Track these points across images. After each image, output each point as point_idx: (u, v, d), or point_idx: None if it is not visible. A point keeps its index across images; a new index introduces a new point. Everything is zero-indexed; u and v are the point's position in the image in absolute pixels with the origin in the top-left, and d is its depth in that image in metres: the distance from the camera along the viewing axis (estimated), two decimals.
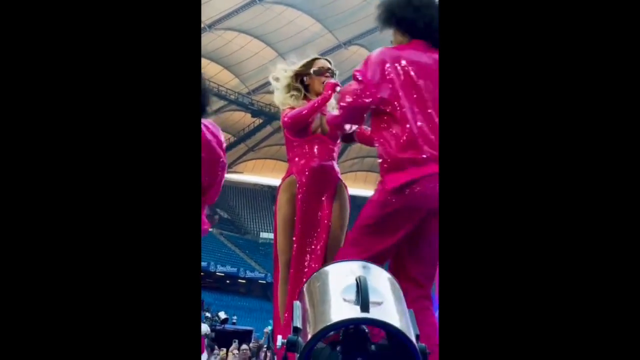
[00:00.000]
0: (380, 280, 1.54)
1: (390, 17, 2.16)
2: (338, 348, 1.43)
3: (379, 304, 1.44)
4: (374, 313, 1.38)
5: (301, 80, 2.57)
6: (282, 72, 2.59)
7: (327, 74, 2.54)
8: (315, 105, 2.41)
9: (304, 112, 2.41)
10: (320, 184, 2.45)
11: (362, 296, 1.39)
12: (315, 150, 2.46)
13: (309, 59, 2.59)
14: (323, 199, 2.45)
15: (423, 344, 1.44)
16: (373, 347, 1.43)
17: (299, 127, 2.43)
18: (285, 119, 2.44)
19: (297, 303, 1.50)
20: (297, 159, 2.47)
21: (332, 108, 2.34)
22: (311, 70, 2.55)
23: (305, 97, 2.54)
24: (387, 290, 1.52)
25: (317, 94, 2.50)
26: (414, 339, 1.39)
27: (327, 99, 2.41)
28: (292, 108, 2.48)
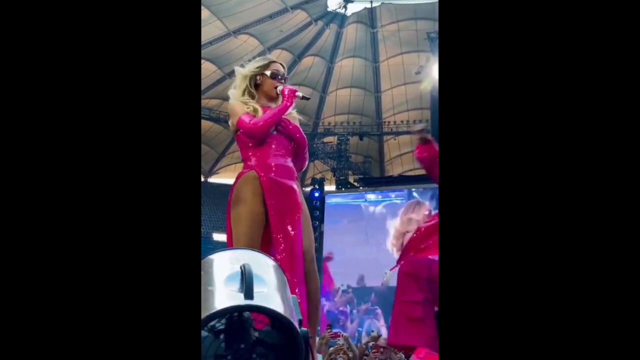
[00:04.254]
0: (265, 268, 1.56)
1: None
2: (221, 336, 1.43)
3: (263, 291, 1.45)
4: (257, 300, 1.39)
5: (254, 80, 2.63)
6: (240, 71, 2.66)
7: (280, 79, 2.62)
8: (278, 113, 2.52)
9: (268, 120, 2.50)
10: (285, 178, 2.51)
11: (246, 283, 1.39)
12: (274, 147, 2.53)
13: (266, 61, 2.65)
14: (290, 189, 2.51)
15: (305, 329, 1.48)
16: (257, 334, 1.44)
17: (263, 135, 2.51)
18: (250, 124, 2.48)
19: None
20: (256, 157, 2.52)
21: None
22: (267, 72, 2.61)
23: (252, 96, 2.62)
24: (271, 278, 1.53)
25: (266, 95, 2.60)
26: (296, 324, 1.42)
27: (288, 107, 2.54)
28: (249, 112, 2.54)
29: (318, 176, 16.77)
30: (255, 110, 2.53)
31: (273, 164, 2.51)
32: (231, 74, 2.80)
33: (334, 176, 16.79)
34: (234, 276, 1.45)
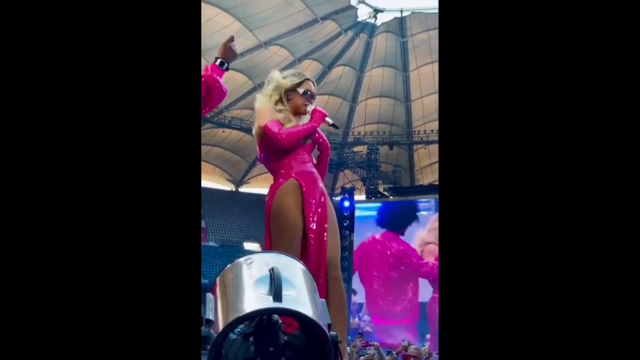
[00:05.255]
0: (294, 272, 1.56)
1: None
2: (250, 339, 1.43)
3: (292, 295, 1.45)
4: (286, 303, 1.39)
5: (286, 95, 2.66)
6: (275, 79, 2.67)
7: (310, 98, 2.67)
8: (304, 132, 2.56)
9: (294, 135, 2.53)
10: (318, 188, 2.55)
11: (275, 286, 1.39)
12: (306, 155, 2.59)
13: (301, 78, 2.68)
14: (324, 198, 2.55)
15: (334, 333, 1.47)
16: (285, 337, 1.44)
17: (287, 147, 2.54)
18: (277, 133, 2.50)
19: (209, 295, 1.48)
20: (293, 164, 2.54)
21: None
22: (300, 90, 2.65)
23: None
24: (300, 281, 1.53)
25: (295, 111, 2.62)
26: (325, 328, 1.42)
27: (314, 129, 2.59)
28: (278, 120, 2.56)
29: (348, 185, 16.74)
30: (287, 120, 2.55)
31: (309, 172, 2.53)
32: (262, 84, 2.82)
33: (363, 185, 16.75)
34: (263, 279, 1.45)
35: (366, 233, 14.72)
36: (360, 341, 5.81)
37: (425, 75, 18.88)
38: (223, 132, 20.01)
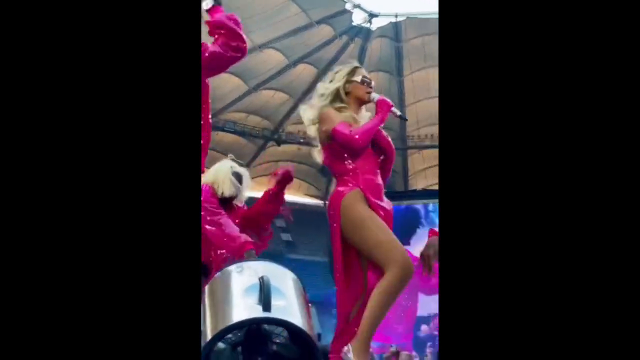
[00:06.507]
0: (284, 281, 1.54)
1: None
2: (239, 348, 1.41)
3: (282, 304, 1.43)
4: (275, 312, 1.37)
5: (344, 89, 2.49)
6: (326, 86, 2.50)
7: (370, 85, 2.49)
8: (376, 125, 2.40)
9: (368, 131, 2.36)
10: (383, 200, 2.38)
11: (265, 296, 1.38)
12: (371, 162, 2.40)
13: (351, 66, 2.52)
14: (389, 211, 2.38)
15: (325, 344, 1.46)
16: (274, 347, 1.43)
17: (363, 146, 2.36)
18: (350, 134, 2.32)
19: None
20: (357, 172, 2.36)
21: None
22: (357, 79, 2.47)
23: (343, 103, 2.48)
24: (290, 291, 1.52)
25: (358, 101, 2.47)
26: (315, 338, 1.40)
27: (384, 120, 2.42)
28: (346, 121, 2.38)
29: None
30: (353, 119, 2.39)
31: (374, 182, 2.38)
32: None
33: None
34: (253, 288, 1.43)
35: None
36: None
37: (420, 81, 18.88)
38: (217, 135, 19.96)
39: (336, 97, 2.44)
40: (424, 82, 18.71)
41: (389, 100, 2.44)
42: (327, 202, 2.55)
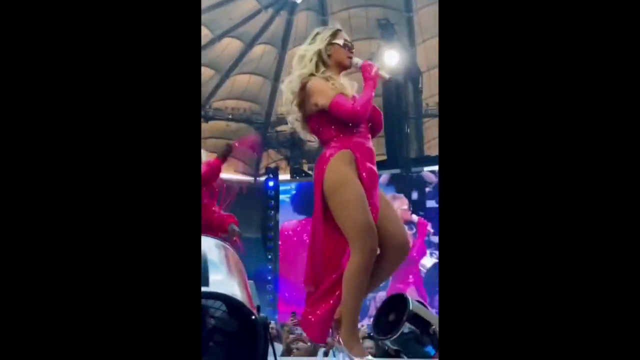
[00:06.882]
0: (221, 254, 1.52)
1: None
2: None
3: (219, 278, 1.41)
4: (213, 286, 1.35)
5: (326, 52, 2.39)
6: (307, 49, 2.38)
7: (352, 49, 2.42)
8: (374, 88, 2.34)
9: (367, 103, 2.30)
10: (374, 164, 2.33)
11: (202, 270, 1.35)
12: (362, 127, 2.34)
13: (333, 28, 2.43)
14: (377, 176, 2.33)
15: (265, 315, 1.44)
16: (213, 322, 1.40)
17: (364, 119, 2.31)
18: (352, 108, 2.25)
19: None
20: (347, 135, 2.29)
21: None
22: (339, 42, 2.39)
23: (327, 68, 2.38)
24: (228, 264, 1.50)
25: (339, 66, 2.40)
26: (254, 311, 1.39)
27: (376, 85, 2.35)
28: (343, 93, 2.31)
29: (272, 165, 16.67)
30: (343, 88, 2.33)
31: (365, 146, 2.32)
32: None
33: (288, 165, 16.73)
34: None
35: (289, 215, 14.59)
36: (292, 321, 5.83)
37: None
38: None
39: (319, 60, 2.37)
40: None
41: (374, 63, 2.39)
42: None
